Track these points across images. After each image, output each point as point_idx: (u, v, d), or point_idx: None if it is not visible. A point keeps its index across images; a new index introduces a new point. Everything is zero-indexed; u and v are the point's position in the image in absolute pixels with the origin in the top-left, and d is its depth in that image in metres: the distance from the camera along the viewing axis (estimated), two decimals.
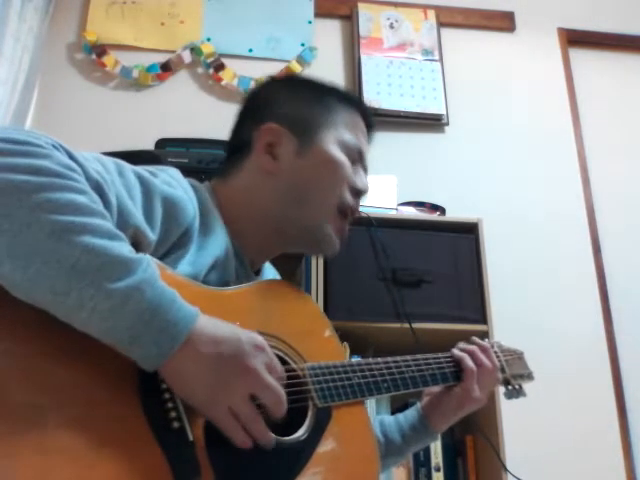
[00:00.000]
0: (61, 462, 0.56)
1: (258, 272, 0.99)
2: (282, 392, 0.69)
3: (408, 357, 0.97)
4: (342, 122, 0.95)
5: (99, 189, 0.67)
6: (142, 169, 0.79)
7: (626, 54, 2.73)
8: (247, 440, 0.67)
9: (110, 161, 0.75)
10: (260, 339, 0.71)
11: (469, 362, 1.02)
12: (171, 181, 0.82)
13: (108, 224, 0.64)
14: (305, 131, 0.92)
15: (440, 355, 1.02)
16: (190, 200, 0.82)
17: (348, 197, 0.94)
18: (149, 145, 2.09)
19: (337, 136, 0.94)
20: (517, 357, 1.16)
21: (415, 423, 1.05)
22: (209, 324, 0.67)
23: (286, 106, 0.95)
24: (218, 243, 0.84)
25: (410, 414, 1.08)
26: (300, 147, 0.92)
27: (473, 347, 1.06)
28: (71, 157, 0.66)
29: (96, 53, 2.32)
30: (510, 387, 1.11)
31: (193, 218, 0.81)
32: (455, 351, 1.04)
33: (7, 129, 0.66)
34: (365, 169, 0.99)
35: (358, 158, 0.96)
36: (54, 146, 0.65)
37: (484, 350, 1.06)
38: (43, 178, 0.61)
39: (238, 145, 0.96)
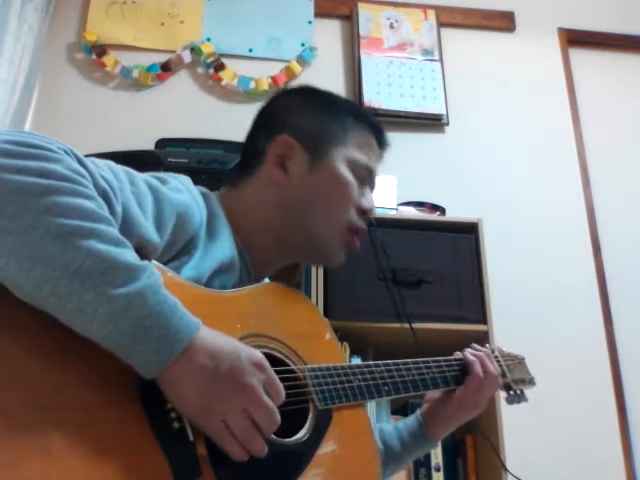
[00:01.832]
0: (63, 462, 0.56)
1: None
2: (276, 413, 0.68)
3: (409, 360, 0.98)
4: (355, 141, 0.96)
5: (106, 196, 0.67)
6: (152, 177, 0.80)
7: (626, 54, 2.73)
8: (243, 454, 0.66)
9: (121, 169, 0.75)
10: (260, 356, 0.70)
11: (479, 369, 1.02)
12: (180, 187, 0.82)
13: (114, 230, 0.64)
14: (317, 147, 0.93)
15: (441, 359, 1.02)
16: (198, 207, 0.83)
17: (354, 217, 0.95)
18: (149, 145, 2.09)
19: (348, 155, 0.94)
20: (518, 362, 1.16)
21: (414, 430, 1.06)
22: (210, 336, 0.67)
23: (301, 119, 0.95)
24: (224, 249, 0.85)
25: (410, 422, 1.08)
26: (311, 162, 0.93)
27: (482, 353, 1.06)
28: (81, 163, 0.67)
29: (96, 53, 2.32)
30: (512, 392, 1.11)
31: (200, 225, 0.82)
32: (468, 355, 1.04)
33: (20, 132, 0.66)
34: (373, 187, 1.00)
35: (367, 177, 0.97)
36: (65, 151, 0.66)
37: (489, 356, 1.07)
38: (52, 181, 0.61)
39: (251, 154, 0.97)
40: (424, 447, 1.07)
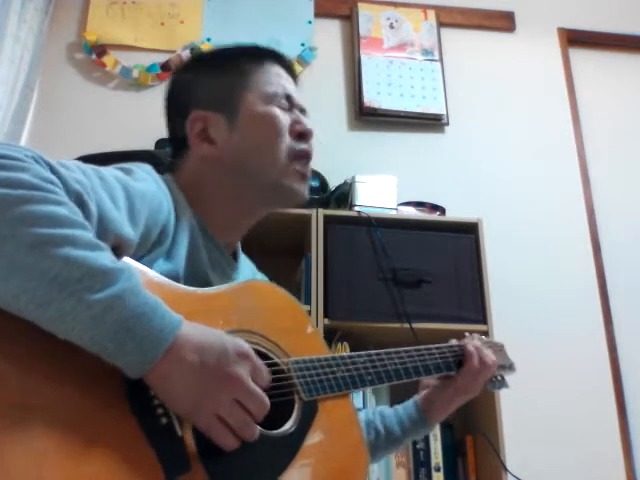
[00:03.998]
0: (52, 462, 0.56)
1: (235, 255, 1.00)
2: (265, 399, 0.69)
3: (391, 350, 0.99)
4: (259, 78, 0.95)
5: (79, 199, 0.67)
6: (117, 170, 0.80)
7: (626, 54, 2.73)
8: (236, 442, 0.67)
9: (89, 167, 0.75)
10: (245, 346, 0.70)
11: (476, 362, 1.06)
12: (146, 177, 0.83)
13: (89, 234, 0.64)
14: (227, 104, 0.93)
15: (422, 347, 1.04)
16: (164, 195, 0.84)
17: (293, 143, 0.94)
18: (149, 145, 2.09)
19: (259, 93, 0.94)
20: (498, 349, 1.18)
21: (413, 415, 1.09)
22: (193, 331, 0.67)
23: (201, 89, 0.95)
24: (186, 230, 0.85)
25: (409, 406, 1.11)
26: (229, 121, 0.93)
27: (480, 345, 1.09)
28: (52, 169, 0.66)
29: (96, 53, 2.32)
30: (494, 379, 1.14)
31: (169, 213, 0.82)
32: (469, 347, 1.07)
33: None
34: (302, 110, 0.99)
35: (289, 103, 0.96)
36: (34, 159, 0.65)
37: (488, 346, 1.12)
38: (22, 191, 0.60)
39: (176, 144, 0.98)
40: (423, 431, 1.12)
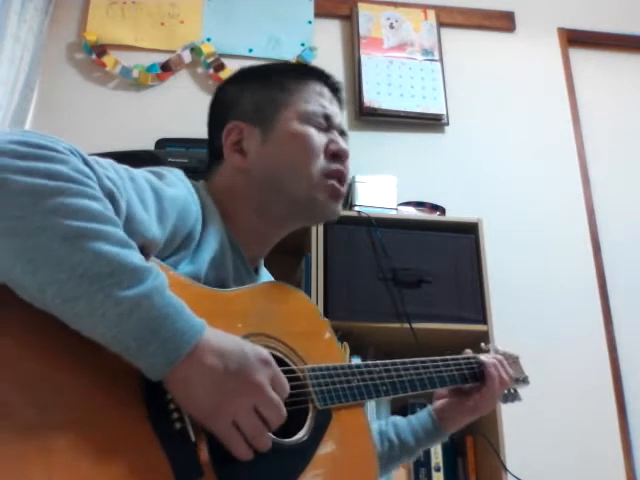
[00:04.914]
0: (65, 462, 0.56)
1: (257, 271, 0.99)
2: (282, 408, 0.69)
3: (407, 360, 0.99)
4: (300, 96, 0.95)
5: (111, 196, 0.67)
6: (149, 173, 0.80)
7: (626, 54, 2.73)
8: (249, 453, 0.67)
9: (121, 167, 0.75)
10: (265, 353, 0.70)
11: (497, 382, 1.06)
12: (177, 182, 0.83)
13: (120, 232, 0.64)
14: (263, 118, 0.93)
15: (438, 358, 1.04)
16: (193, 201, 0.84)
17: (327, 164, 0.93)
18: (149, 145, 2.09)
19: (296, 111, 0.93)
20: (512, 361, 1.17)
21: (428, 427, 1.08)
22: (215, 336, 0.67)
23: (241, 102, 0.96)
24: (215, 237, 0.85)
25: (423, 419, 1.10)
26: (263, 135, 0.93)
27: (501, 358, 1.10)
28: (86, 163, 0.66)
29: (96, 53, 2.32)
30: (507, 391, 1.13)
31: (196, 219, 0.82)
32: (491, 369, 1.07)
33: (26, 133, 0.65)
34: (341, 132, 0.98)
35: (327, 123, 0.95)
36: (71, 151, 0.65)
37: (502, 363, 1.11)
38: (59, 183, 0.61)
39: (211, 156, 0.99)
40: (435, 441, 1.11)
